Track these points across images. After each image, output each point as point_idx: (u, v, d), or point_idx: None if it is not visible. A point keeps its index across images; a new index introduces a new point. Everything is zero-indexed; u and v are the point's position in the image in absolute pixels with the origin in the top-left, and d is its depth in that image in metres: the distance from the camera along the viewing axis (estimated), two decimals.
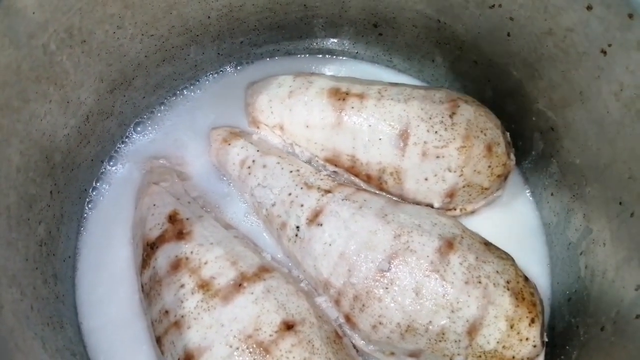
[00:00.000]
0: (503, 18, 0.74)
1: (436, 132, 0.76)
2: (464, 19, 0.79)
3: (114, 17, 0.70)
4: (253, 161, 0.83)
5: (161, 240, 0.73)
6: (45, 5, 0.61)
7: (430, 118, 0.77)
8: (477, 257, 0.68)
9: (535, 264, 0.82)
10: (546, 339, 0.69)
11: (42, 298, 0.67)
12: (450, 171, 0.76)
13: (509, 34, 0.76)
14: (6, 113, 0.60)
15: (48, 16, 0.62)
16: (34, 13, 0.60)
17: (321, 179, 0.80)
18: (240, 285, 0.68)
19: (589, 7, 0.61)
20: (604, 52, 0.63)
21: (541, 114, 0.78)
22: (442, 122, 0.76)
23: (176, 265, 0.70)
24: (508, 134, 0.82)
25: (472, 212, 0.82)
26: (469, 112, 0.78)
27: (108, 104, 0.79)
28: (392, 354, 0.71)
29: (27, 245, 0.66)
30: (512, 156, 0.81)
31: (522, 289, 0.68)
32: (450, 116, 0.77)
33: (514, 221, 0.85)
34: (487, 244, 0.72)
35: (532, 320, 0.67)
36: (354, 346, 0.72)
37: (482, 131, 0.77)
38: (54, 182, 0.72)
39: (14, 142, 0.62)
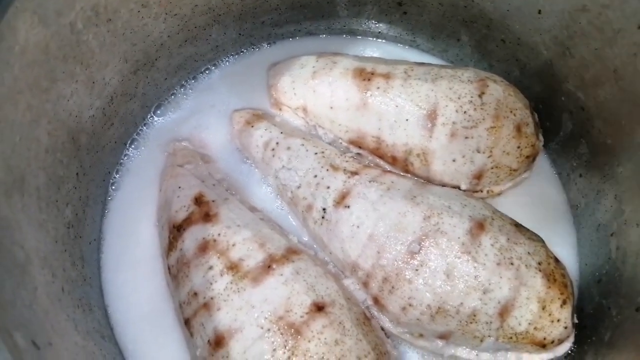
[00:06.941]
0: None
1: (465, 112, 0.75)
2: None
3: None
4: (277, 143, 0.82)
5: (188, 222, 0.73)
6: None
7: (459, 98, 0.75)
8: (508, 239, 0.68)
9: (562, 246, 0.81)
10: (576, 321, 0.69)
11: (71, 280, 0.67)
12: (479, 152, 0.75)
13: (539, 11, 0.74)
14: (36, 93, 0.59)
15: None
16: None
17: (347, 161, 0.79)
18: (269, 267, 0.67)
19: None
20: None
21: (571, 94, 0.77)
22: (471, 102, 0.75)
23: (204, 247, 0.70)
24: (536, 114, 0.81)
25: (499, 194, 0.81)
26: (498, 91, 0.76)
27: (131, 85, 0.79)
28: (421, 335, 0.70)
29: (56, 227, 0.66)
30: (541, 137, 0.80)
31: (553, 270, 0.68)
32: (480, 96, 0.75)
33: (540, 203, 0.84)
34: (518, 225, 0.72)
35: (564, 302, 0.66)
36: (382, 328, 0.72)
37: (511, 111, 0.76)
38: (80, 163, 0.72)
39: (42, 122, 0.61)
